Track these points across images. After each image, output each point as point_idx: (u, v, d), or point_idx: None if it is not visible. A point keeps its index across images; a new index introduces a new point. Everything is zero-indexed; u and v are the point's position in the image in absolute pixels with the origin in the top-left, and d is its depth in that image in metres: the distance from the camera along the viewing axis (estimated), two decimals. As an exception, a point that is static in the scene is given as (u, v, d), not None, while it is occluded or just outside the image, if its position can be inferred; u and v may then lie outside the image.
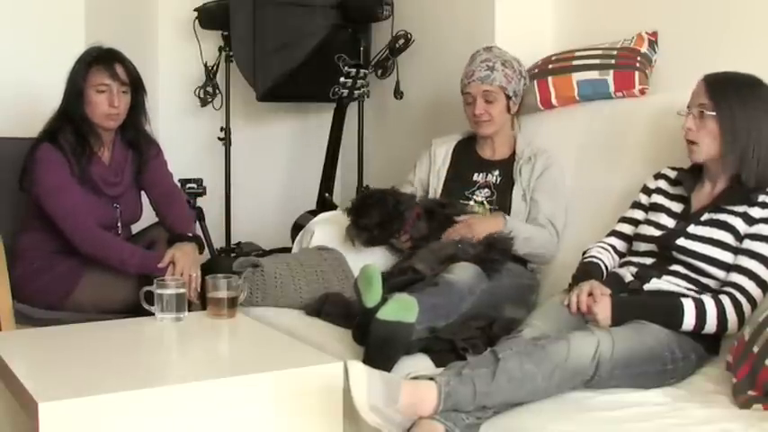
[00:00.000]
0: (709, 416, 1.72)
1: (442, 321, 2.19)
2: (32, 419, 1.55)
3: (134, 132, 2.72)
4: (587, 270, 2.23)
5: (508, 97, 2.72)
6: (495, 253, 2.42)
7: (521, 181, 2.69)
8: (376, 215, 2.62)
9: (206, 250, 3.35)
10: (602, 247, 2.32)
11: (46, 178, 2.53)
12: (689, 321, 1.97)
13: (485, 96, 2.70)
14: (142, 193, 2.78)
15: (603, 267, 2.27)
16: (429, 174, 2.86)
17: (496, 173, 2.75)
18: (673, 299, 2.02)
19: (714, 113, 2.08)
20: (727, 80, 2.11)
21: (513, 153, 2.76)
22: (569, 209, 2.65)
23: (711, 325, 1.98)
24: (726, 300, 1.98)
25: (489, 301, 2.35)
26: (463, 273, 2.32)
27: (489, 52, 2.75)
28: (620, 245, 2.33)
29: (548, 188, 2.67)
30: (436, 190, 2.81)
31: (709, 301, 1.99)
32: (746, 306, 1.98)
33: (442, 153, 2.86)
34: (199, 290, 2.48)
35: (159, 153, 2.80)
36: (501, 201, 2.70)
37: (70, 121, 2.58)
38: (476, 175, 2.78)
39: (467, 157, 2.83)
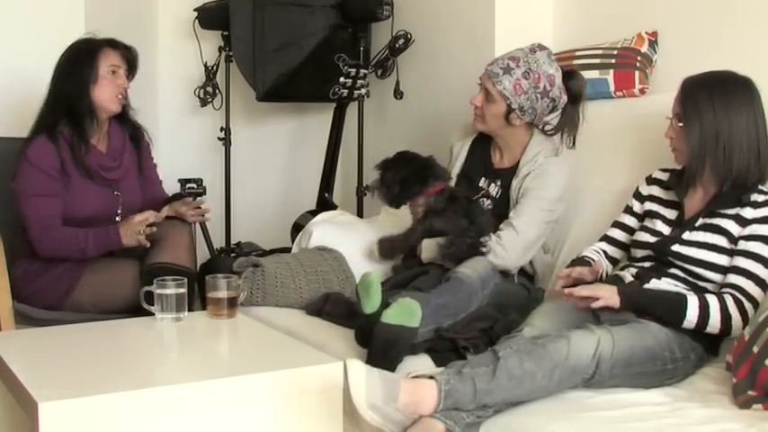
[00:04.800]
0: (709, 416, 1.72)
1: (448, 320, 2.20)
2: (32, 419, 1.55)
3: (131, 126, 2.76)
4: (577, 263, 2.26)
5: (510, 108, 2.52)
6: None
7: (512, 196, 2.57)
8: (401, 172, 2.59)
9: (206, 250, 3.36)
10: (594, 250, 2.34)
11: (28, 181, 2.55)
12: (691, 318, 1.97)
13: (486, 92, 2.56)
14: None
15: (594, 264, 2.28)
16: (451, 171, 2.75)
17: (499, 183, 2.62)
18: (676, 293, 2.03)
19: (681, 123, 2.10)
20: (701, 84, 2.11)
21: (518, 164, 2.59)
22: (568, 209, 2.63)
23: (715, 321, 1.97)
24: (728, 298, 1.98)
25: (497, 300, 2.34)
26: (478, 265, 2.33)
27: (533, 53, 2.52)
28: (611, 249, 2.35)
29: (527, 195, 2.51)
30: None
31: (711, 298, 1.99)
32: (748, 305, 1.98)
33: (458, 149, 2.77)
34: (156, 220, 2.56)
35: (148, 145, 2.84)
36: (500, 214, 2.58)
37: (69, 110, 2.58)
38: (482, 180, 2.67)
39: (479, 159, 2.70)
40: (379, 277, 2.15)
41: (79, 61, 2.60)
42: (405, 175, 2.60)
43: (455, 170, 2.74)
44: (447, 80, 3.29)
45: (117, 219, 2.68)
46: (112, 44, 2.64)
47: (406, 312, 2.03)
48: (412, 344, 2.09)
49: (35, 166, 2.53)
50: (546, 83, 2.51)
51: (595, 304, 1.99)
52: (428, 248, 2.54)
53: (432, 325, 2.15)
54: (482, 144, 2.72)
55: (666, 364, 1.93)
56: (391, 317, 2.02)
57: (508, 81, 2.50)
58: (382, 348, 2.01)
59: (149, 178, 2.84)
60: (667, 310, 1.98)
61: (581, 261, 2.28)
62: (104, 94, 2.60)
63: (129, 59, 2.68)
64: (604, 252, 2.34)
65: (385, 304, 2.07)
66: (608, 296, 1.99)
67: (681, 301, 1.99)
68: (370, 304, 2.09)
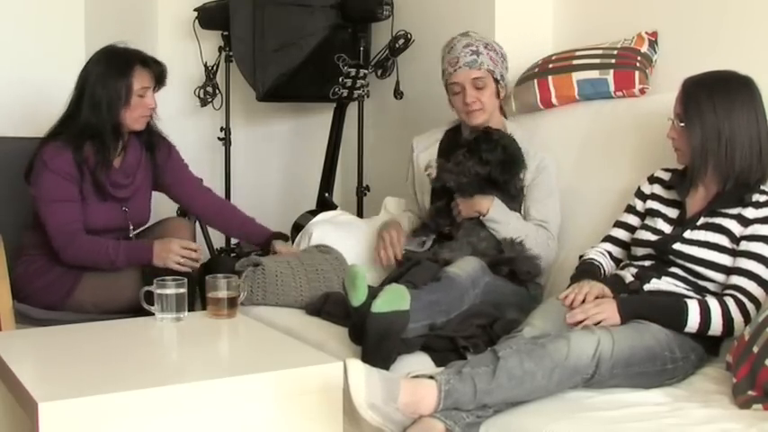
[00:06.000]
0: (709, 416, 1.72)
1: (442, 317, 2.19)
2: (32, 419, 1.55)
3: (148, 133, 2.73)
4: (586, 270, 2.24)
5: (496, 81, 2.62)
6: (504, 268, 2.42)
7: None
8: (500, 153, 2.49)
9: (206, 250, 3.37)
10: (600, 252, 2.33)
11: (45, 186, 2.53)
12: (692, 324, 1.97)
13: (474, 83, 2.58)
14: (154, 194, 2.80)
15: (602, 269, 2.27)
16: (414, 183, 2.77)
17: None
18: (677, 299, 2.03)
19: (683, 124, 2.10)
20: (702, 84, 2.11)
21: None
22: (568, 209, 2.64)
23: (717, 325, 1.97)
24: (729, 300, 1.98)
25: (492, 299, 2.34)
26: (467, 266, 2.32)
27: (468, 37, 2.61)
28: (616, 250, 2.34)
29: (540, 195, 2.57)
30: (423, 201, 2.72)
31: (712, 301, 1.99)
32: (750, 306, 1.98)
33: (427, 142, 2.77)
34: (197, 255, 2.56)
35: (172, 150, 2.82)
36: None
37: (96, 131, 2.54)
38: None
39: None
40: (364, 269, 2.14)
41: (109, 83, 2.53)
42: (504, 158, 2.50)
43: (420, 181, 2.72)
44: (447, 80, 3.29)
45: (129, 233, 2.67)
46: (144, 62, 2.59)
47: (395, 297, 2.03)
48: (405, 340, 2.08)
49: (52, 171, 2.52)
50: (497, 47, 2.66)
51: (600, 325, 1.98)
52: (499, 208, 2.50)
53: (425, 320, 2.15)
54: (451, 145, 2.69)
55: (666, 364, 1.93)
56: (381, 305, 2.01)
57: (484, 58, 2.59)
58: (376, 340, 2.01)
59: (188, 185, 2.85)
60: (668, 319, 1.98)
61: (587, 266, 2.27)
62: (132, 114, 2.59)
63: (159, 76, 2.63)
64: (609, 253, 2.33)
65: (372, 295, 2.07)
66: (610, 315, 1.98)
67: (681, 307, 1.98)
68: (357, 296, 2.09)
